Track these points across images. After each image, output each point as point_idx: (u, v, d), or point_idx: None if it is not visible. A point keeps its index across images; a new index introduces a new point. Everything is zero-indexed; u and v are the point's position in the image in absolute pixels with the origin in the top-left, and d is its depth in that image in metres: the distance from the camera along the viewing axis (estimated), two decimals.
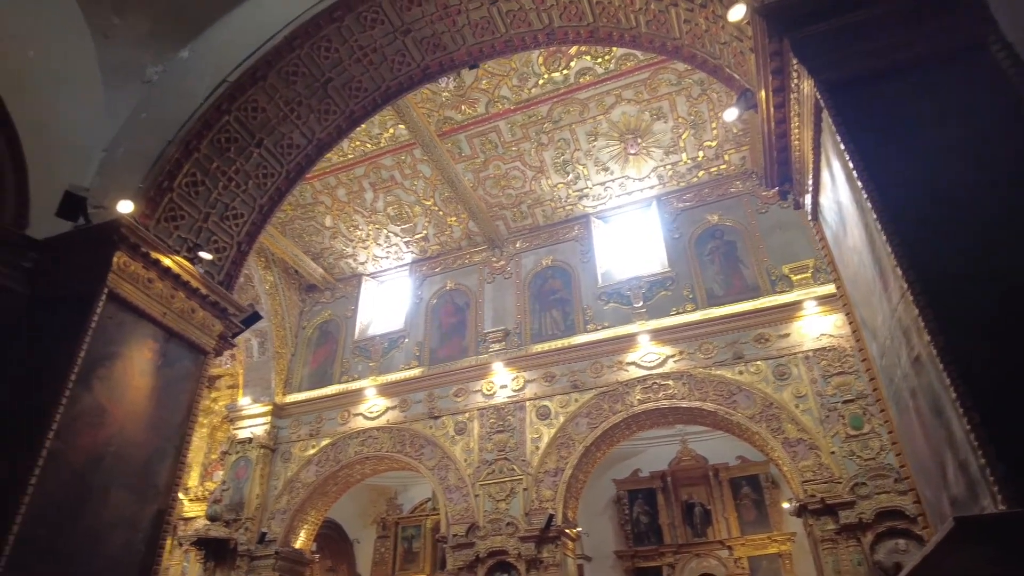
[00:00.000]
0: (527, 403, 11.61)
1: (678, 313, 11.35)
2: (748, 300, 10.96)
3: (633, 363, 11.14)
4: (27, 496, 3.35)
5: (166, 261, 4.44)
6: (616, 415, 10.87)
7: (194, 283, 4.63)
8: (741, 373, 10.40)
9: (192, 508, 14.77)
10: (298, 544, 12.44)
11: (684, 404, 10.58)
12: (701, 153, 12.04)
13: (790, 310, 10.54)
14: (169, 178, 4.60)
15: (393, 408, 12.63)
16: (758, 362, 10.38)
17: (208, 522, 11.97)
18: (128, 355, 4.15)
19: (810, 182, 3.68)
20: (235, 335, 5.16)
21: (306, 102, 5.20)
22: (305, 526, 12.59)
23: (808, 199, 3.97)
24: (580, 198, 12.88)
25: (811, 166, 3.55)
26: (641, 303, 11.71)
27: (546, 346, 11.97)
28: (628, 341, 11.31)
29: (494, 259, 13.61)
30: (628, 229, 13.09)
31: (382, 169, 12.61)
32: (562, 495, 10.65)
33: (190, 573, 11.95)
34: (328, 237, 14.00)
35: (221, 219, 5.00)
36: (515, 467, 11.11)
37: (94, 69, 5.07)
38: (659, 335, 11.15)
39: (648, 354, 11.10)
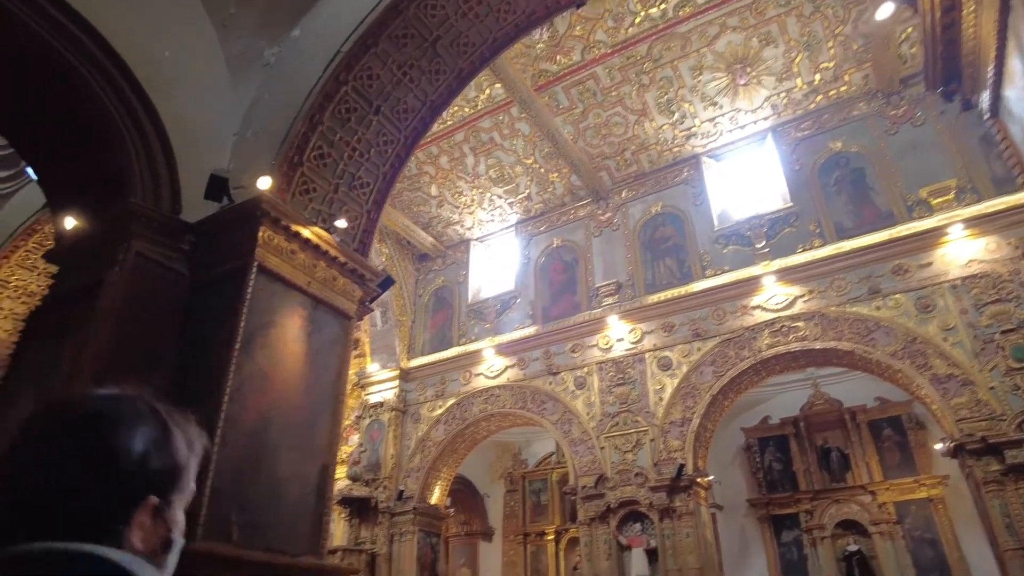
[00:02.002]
0: (647, 355, 11.42)
1: (805, 250, 10.69)
2: (882, 230, 10.15)
3: (758, 307, 10.66)
4: (215, 454, 3.65)
5: (306, 233, 4.65)
6: (743, 361, 10.49)
7: (333, 252, 4.83)
8: (879, 308, 9.71)
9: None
10: (433, 500, 13.03)
11: (817, 346, 10.04)
12: (818, 76, 11.13)
13: (931, 237, 9.67)
14: (298, 153, 4.78)
15: (512, 367, 12.84)
16: (897, 295, 9.64)
17: (350, 482, 12.76)
18: (281, 323, 4.41)
19: (990, 74, 3.23)
20: (372, 300, 5.36)
21: (417, 64, 5.22)
22: (439, 483, 13.16)
23: (986, 95, 3.51)
24: (688, 138, 12.31)
25: (993, 55, 3.11)
26: (763, 243, 11.12)
27: (661, 296, 11.68)
28: (751, 284, 10.82)
29: (600, 212, 13.35)
30: (743, 166, 12.40)
31: (481, 132, 12.60)
32: (691, 445, 10.47)
33: (337, 530, 12.86)
34: (435, 206, 14.25)
35: (350, 188, 5.16)
36: (639, 419, 11.02)
37: (219, 59, 5.32)
38: (785, 275, 10.58)
39: (774, 296, 10.57)
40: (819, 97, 11.50)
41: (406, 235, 14.64)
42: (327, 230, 4.83)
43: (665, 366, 11.16)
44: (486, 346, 13.23)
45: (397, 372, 13.85)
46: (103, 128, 4.61)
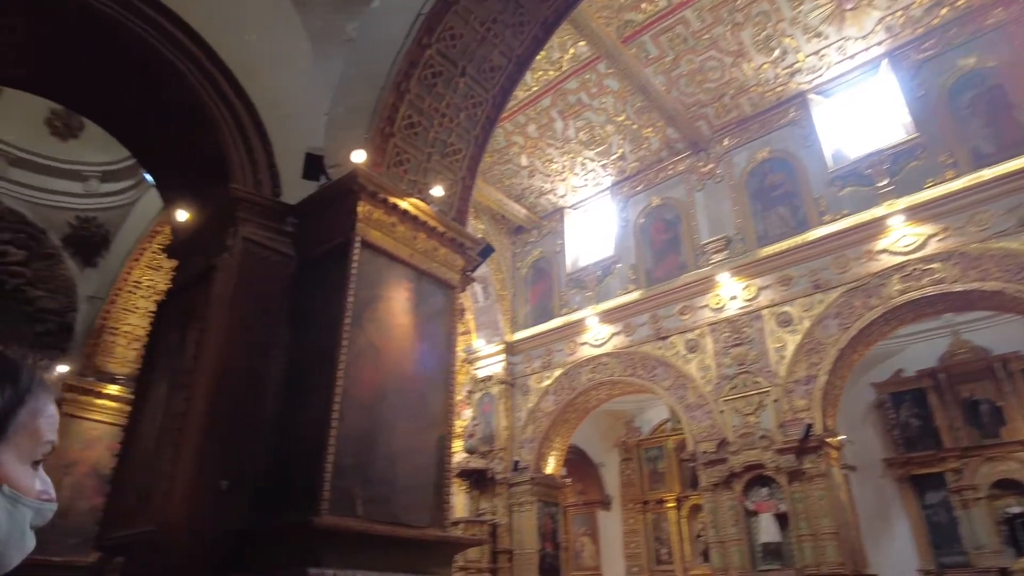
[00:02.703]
0: (763, 312, 10.75)
1: (935, 184, 9.61)
2: None
3: (885, 250, 9.73)
4: (334, 429, 3.66)
5: (403, 204, 4.58)
6: (871, 311, 9.63)
7: (432, 222, 4.75)
8: None
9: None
10: (549, 470, 13.03)
11: (957, 288, 9.03)
12: None
13: None
14: (389, 124, 4.70)
15: (617, 333, 12.52)
16: None
17: (467, 455, 12.98)
18: (388, 296, 4.38)
19: None
20: (473, 269, 5.25)
21: (500, 18, 4.99)
22: (553, 453, 13.13)
23: None
24: (791, 75, 11.35)
25: None
26: (886, 181, 10.11)
27: (775, 248, 10.92)
28: (875, 227, 9.88)
29: (700, 164, 12.64)
30: (855, 99, 11.29)
31: (568, 94, 12.22)
32: (818, 403, 9.79)
33: (458, 502, 13.15)
34: (526, 176, 14.04)
35: (442, 156, 5.05)
36: (760, 379, 10.42)
37: (302, 38, 5.32)
38: (914, 213, 9.57)
39: (903, 237, 9.60)
40: (944, 10, 10.23)
41: (499, 209, 14.54)
42: (424, 200, 4.74)
43: (785, 322, 10.46)
44: (589, 314, 12.97)
45: (502, 346, 13.88)
46: (201, 118, 4.73)
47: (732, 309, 11.10)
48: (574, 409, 13.08)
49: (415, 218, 4.65)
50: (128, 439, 4.77)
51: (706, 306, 11.46)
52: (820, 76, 11.33)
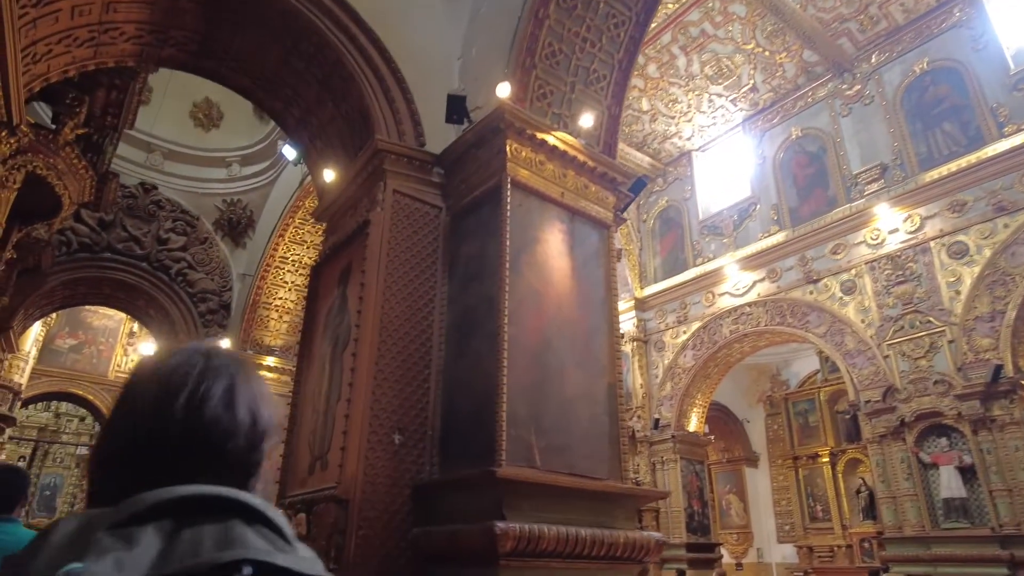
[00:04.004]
0: (931, 243, 9.59)
1: None
2: None
3: None
4: (505, 377, 3.49)
5: (551, 140, 4.29)
6: None
7: (581, 157, 4.43)
8: None
9: None
10: (691, 427, 12.56)
11: None
12: None
13: None
14: (529, 55, 4.41)
15: (761, 281, 11.70)
16: None
17: None
18: (543, 238, 4.14)
19: None
20: (625, 207, 4.90)
21: None
22: (694, 410, 12.63)
23: None
24: None
25: None
26: None
27: (943, 170, 9.66)
28: None
29: (845, 87, 11.39)
30: None
31: (690, 27, 11.36)
32: (1006, 342, 8.62)
33: None
34: (648, 122, 13.34)
35: (585, 85, 4.70)
36: (931, 319, 9.34)
37: None
38: None
39: None
40: None
41: (621, 159, 13.93)
42: (571, 134, 4.43)
43: (958, 253, 9.27)
44: (727, 262, 12.21)
45: (632, 302, 13.41)
46: (341, 72, 4.67)
47: (893, 244, 10.00)
48: (715, 364, 12.45)
49: (564, 154, 4.35)
50: (296, 401, 4.90)
51: (862, 243, 10.41)
52: None
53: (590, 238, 4.41)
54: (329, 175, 5.02)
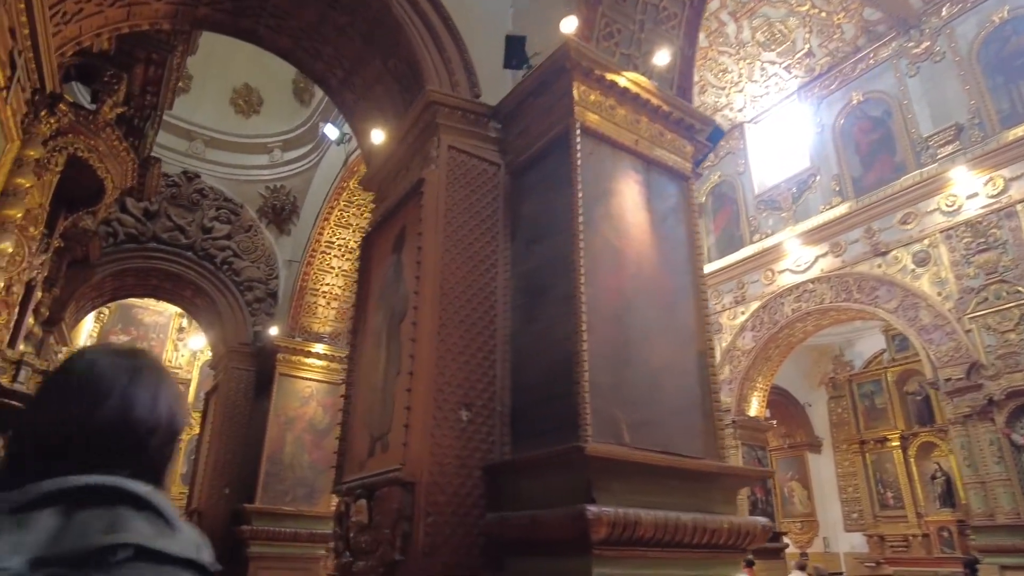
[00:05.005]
0: (1017, 207, 8.83)
1: None
2: None
3: None
4: (585, 343, 3.09)
5: (622, 82, 3.85)
6: None
7: (655, 101, 3.98)
8: None
9: None
10: (752, 412, 11.99)
11: None
12: None
13: None
14: None
15: (823, 255, 11.04)
16: None
17: None
18: (617, 190, 3.71)
19: None
20: (702, 160, 4.45)
21: None
22: (755, 393, 12.05)
23: None
24: None
25: None
26: None
27: None
28: None
29: (911, 45, 10.62)
30: None
31: None
32: None
33: None
34: (696, 94, 12.70)
35: (655, 24, 4.25)
36: (1020, 288, 8.62)
37: None
38: None
39: None
40: None
41: None
42: (643, 76, 3.98)
43: None
44: (787, 237, 11.56)
45: None
46: (386, 21, 4.29)
47: (972, 209, 9.26)
48: (776, 344, 11.84)
49: (636, 97, 3.90)
50: (351, 380, 4.58)
51: (936, 210, 9.68)
52: None
53: (668, 190, 3.96)
54: (378, 136, 4.67)
